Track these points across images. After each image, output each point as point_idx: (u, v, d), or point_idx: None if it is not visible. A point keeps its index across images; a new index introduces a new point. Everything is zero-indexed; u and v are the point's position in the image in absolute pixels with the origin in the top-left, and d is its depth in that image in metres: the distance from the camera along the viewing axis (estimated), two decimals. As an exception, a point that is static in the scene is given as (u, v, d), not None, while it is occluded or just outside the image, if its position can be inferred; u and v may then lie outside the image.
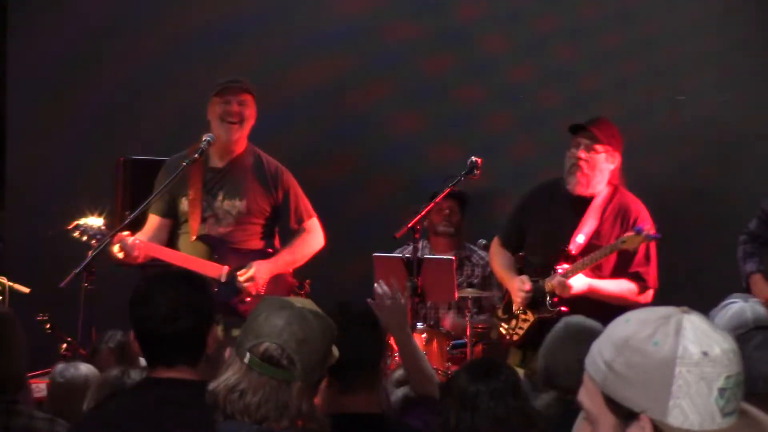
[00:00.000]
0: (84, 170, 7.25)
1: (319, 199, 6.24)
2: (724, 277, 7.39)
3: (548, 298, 5.43)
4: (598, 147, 5.45)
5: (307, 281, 6.31)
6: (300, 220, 5.73)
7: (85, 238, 5.47)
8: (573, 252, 5.42)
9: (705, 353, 1.74)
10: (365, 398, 3.34)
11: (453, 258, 5.99)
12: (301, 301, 2.76)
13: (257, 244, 5.65)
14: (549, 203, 5.58)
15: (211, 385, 2.66)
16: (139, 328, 3.07)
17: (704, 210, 7.66)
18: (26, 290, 6.31)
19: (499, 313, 5.80)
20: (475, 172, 5.52)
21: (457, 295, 6.05)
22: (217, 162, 5.67)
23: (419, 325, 6.21)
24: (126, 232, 5.45)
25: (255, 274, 5.50)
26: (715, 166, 7.73)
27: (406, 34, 7.73)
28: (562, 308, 5.35)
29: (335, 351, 2.77)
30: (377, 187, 7.65)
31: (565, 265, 5.40)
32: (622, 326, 1.81)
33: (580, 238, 5.43)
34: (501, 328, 5.70)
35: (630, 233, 5.25)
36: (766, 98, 7.69)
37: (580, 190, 5.47)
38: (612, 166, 5.50)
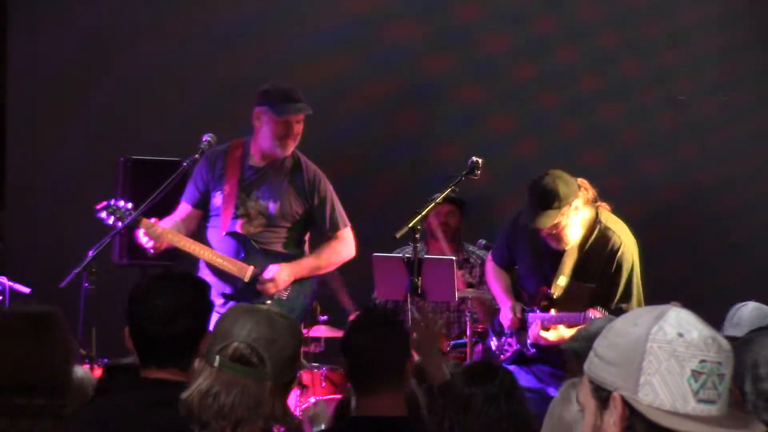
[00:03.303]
0: (84, 170, 7.24)
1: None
2: (724, 277, 7.41)
3: (528, 338, 5.52)
4: (560, 222, 5.31)
5: (307, 281, 6.31)
6: (334, 228, 5.70)
7: (111, 220, 5.40)
8: (554, 296, 5.43)
9: (680, 334, 1.74)
10: (391, 400, 3.36)
11: (453, 258, 5.98)
12: (266, 307, 2.80)
13: (287, 247, 5.63)
14: (532, 235, 5.51)
15: (184, 395, 2.65)
16: (134, 326, 3.06)
17: (704, 210, 7.67)
18: (26, 290, 6.30)
19: (495, 324, 5.84)
20: (476, 172, 5.50)
21: (457, 295, 6.04)
22: (257, 161, 5.64)
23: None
24: (153, 219, 5.42)
25: (276, 276, 5.50)
26: (715, 166, 7.73)
27: (406, 34, 7.73)
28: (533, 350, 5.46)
29: (304, 362, 2.79)
30: (377, 187, 7.65)
31: (541, 315, 5.46)
32: (615, 320, 1.85)
33: (561, 281, 5.41)
34: (492, 341, 5.76)
35: (597, 313, 5.22)
36: (766, 98, 7.69)
37: (564, 248, 5.43)
38: (577, 212, 5.34)
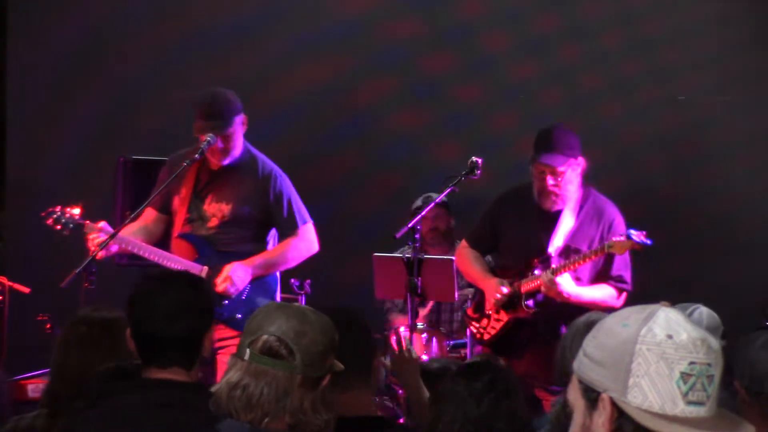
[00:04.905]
0: (84, 170, 7.24)
1: (319, 199, 6.25)
2: (724, 277, 7.41)
3: (523, 300, 5.42)
4: (561, 168, 5.38)
5: (307, 281, 6.31)
6: (291, 227, 5.62)
7: (58, 227, 5.43)
8: (553, 255, 5.42)
9: (669, 336, 1.74)
10: (358, 400, 3.35)
11: (453, 258, 5.98)
12: (298, 304, 2.84)
13: (244, 247, 5.55)
14: (522, 208, 5.54)
15: (213, 388, 2.68)
16: (135, 327, 3.05)
17: (704, 210, 7.67)
18: (26, 290, 6.31)
19: (469, 312, 5.78)
20: (476, 172, 5.51)
21: (457, 295, 6.04)
22: (211, 164, 5.61)
23: (419, 325, 6.21)
24: (101, 223, 5.42)
25: (231, 275, 5.45)
26: (715, 166, 7.73)
27: (406, 34, 7.73)
28: (536, 309, 5.38)
29: (338, 362, 2.78)
30: (377, 187, 7.64)
31: (537, 270, 5.41)
32: (604, 319, 1.85)
33: (558, 240, 5.41)
34: (471, 327, 5.70)
35: (619, 238, 5.19)
36: (766, 98, 7.69)
37: (557, 208, 5.44)
38: (579, 170, 5.45)
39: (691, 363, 1.72)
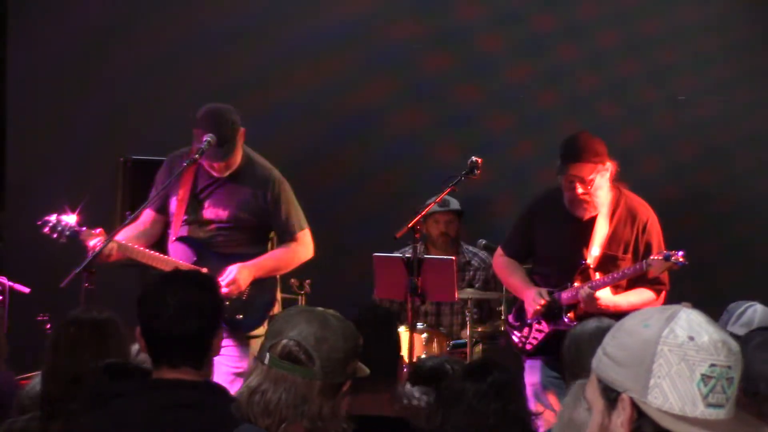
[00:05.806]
0: (84, 170, 7.24)
1: (319, 199, 6.26)
2: (723, 277, 7.41)
3: (564, 312, 5.42)
4: (589, 176, 5.40)
5: (307, 281, 6.32)
6: (290, 233, 5.64)
7: (55, 235, 5.42)
8: (591, 266, 5.42)
9: (691, 338, 1.74)
10: (380, 400, 3.36)
11: (453, 258, 5.98)
12: (322, 309, 2.79)
13: (241, 249, 5.57)
14: (555, 215, 5.54)
15: (237, 391, 2.70)
16: (145, 326, 3.06)
17: (704, 210, 7.67)
18: (26, 290, 6.31)
19: (510, 319, 5.78)
20: (476, 172, 5.51)
21: (457, 295, 6.04)
22: (212, 169, 5.60)
23: (419, 325, 6.21)
24: (98, 230, 5.41)
25: (237, 276, 5.47)
26: (715, 166, 7.74)
27: (406, 34, 7.73)
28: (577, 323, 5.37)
29: (363, 367, 2.77)
30: (377, 187, 7.64)
31: (574, 282, 5.41)
32: (625, 318, 1.84)
33: (595, 250, 5.41)
34: (513, 336, 5.69)
35: (657, 257, 5.22)
36: (766, 98, 7.70)
37: (590, 215, 5.45)
38: (607, 175, 5.46)
39: (712, 365, 1.72)
